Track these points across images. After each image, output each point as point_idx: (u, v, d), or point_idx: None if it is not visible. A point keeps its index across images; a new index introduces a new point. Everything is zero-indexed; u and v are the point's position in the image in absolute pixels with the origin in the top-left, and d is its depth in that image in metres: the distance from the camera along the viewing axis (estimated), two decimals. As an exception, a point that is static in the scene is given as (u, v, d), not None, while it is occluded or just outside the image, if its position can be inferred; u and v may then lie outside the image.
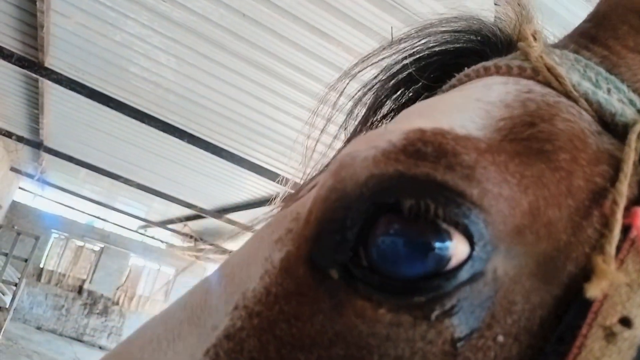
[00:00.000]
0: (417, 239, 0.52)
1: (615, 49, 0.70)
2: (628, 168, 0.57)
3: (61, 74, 7.22)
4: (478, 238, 0.52)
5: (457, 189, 0.52)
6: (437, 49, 0.87)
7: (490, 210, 0.53)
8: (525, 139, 0.59)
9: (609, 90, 0.65)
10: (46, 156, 12.98)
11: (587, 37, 0.72)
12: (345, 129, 0.93)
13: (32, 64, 7.15)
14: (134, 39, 5.98)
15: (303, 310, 0.54)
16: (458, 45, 0.86)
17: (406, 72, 0.88)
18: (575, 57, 0.69)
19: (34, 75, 7.37)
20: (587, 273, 0.53)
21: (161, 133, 7.87)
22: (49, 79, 7.26)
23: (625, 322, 0.51)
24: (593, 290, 0.51)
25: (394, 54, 0.88)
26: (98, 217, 22.38)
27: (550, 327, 0.52)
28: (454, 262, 0.52)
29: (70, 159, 12.18)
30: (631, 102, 0.64)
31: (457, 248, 0.52)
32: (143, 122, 7.61)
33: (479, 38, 0.84)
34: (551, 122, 0.61)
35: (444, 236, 0.52)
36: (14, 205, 22.11)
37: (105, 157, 11.30)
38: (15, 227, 14.11)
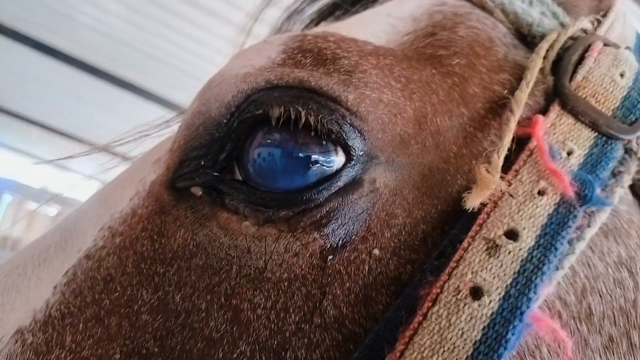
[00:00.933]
0: (289, 150, 0.50)
1: None
2: (532, 75, 0.55)
3: (5, 26, 6.94)
4: (353, 146, 0.50)
5: (331, 94, 0.50)
6: None
7: (368, 116, 0.51)
8: (421, 47, 0.58)
9: (530, 3, 0.64)
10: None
11: None
12: None
13: (-28, 14, 6.87)
14: None
15: (166, 227, 0.53)
16: None
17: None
18: None
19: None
20: None
21: (115, 88, 7.69)
22: (-8, 31, 7.01)
23: (511, 234, 0.48)
24: (472, 201, 0.49)
25: None
26: (53, 180, 21.95)
27: (434, 242, 0.50)
28: (326, 172, 0.50)
29: (20, 117, 11.83)
30: (554, 15, 0.64)
31: (330, 157, 0.50)
32: (95, 75, 7.43)
33: None
34: (452, 29, 0.60)
35: (316, 145, 0.50)
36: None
37: (58, 115, 11.00)
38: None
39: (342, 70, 0.52)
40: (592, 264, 0.52)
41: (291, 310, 0.48)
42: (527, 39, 0.62)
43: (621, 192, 0.54)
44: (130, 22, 6.36)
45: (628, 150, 0.56)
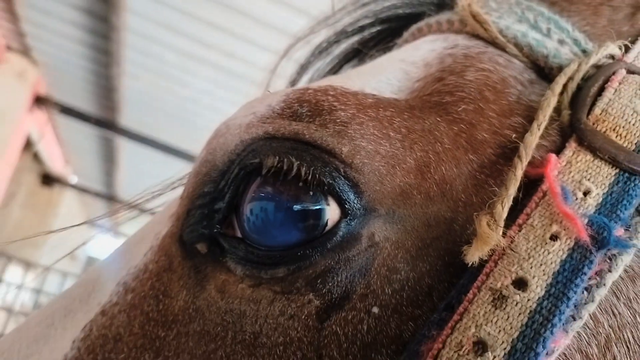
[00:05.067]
0: (282, 202, 0.48)
1: None
2: (544, 117, 0.51)
3: (134, 131, 7.61)
4: (347, 200, 0.47)
5: (325, 146, 0.48)
6: (388, 14, 0.81)
7: (363, 168, 0.48)
8: (428, 93, 0.54)
9: (548, 30, 0.59)
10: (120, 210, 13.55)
11: None
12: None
13: (108, 124, 7.58)
14: (200, 94, 6.27)
15: (171, 286, 0.51)
16: (410, 10, 0.79)
17: (356, 42, 0.83)
18: (517, 0, 0.63)
19: (110, 133, 7.81)
20: None
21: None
22: (123, 136, 7.66)
23: (520, 283, 0.44)
24: (472, 256, 0.45)
25: (341, 22, 0.83)
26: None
27: (440, 295, 0.46)
28: (321, 228, 0.47)
29: (140, 209, 12.66)
30: (575, 42, 0.58)
31: (324, 212, 0.47)
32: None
33: (433, 0, 0.77)
34: (461, 73, 0.56)
35: (310, 198, 0.47)
36: (89, 260, 23.03)
37: None
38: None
39: (337, 121, 0.50)
40: (617, 312, 0.47)
41: None
42: (545, 71, 0.58)
43: None
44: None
45: None
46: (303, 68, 0.86)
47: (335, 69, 0.85)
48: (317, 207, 0.47)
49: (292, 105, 0.52)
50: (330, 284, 0.46)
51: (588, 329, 0.46)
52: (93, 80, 6.73)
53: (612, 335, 0.46)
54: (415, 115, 0.52)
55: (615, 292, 0.47)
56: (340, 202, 0.47)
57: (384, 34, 0.81)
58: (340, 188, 0.47)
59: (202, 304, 0.49)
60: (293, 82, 0.87)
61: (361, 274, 0.47)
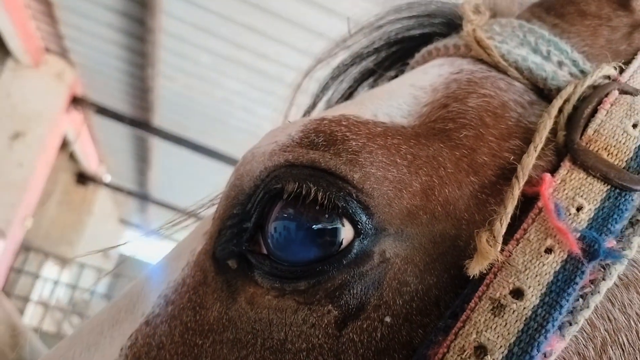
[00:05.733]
0: (302, 223, 0.53)
1: (569, 17, 0.68)
2: (540, 138, 0.55)
3: (167, 131, 7.74)
4: (360, 221, 0.52)
5: (339, 173, 0.53)
6: (401, 35, 0.85)
7: (373, 193, 0.53)
8: (432, 120, 0.59)
9: (548, 53, 0.63)
10: (151, 207, 13.77)
11: (543, 7, 0.70)
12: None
13: (142, 124, 7.73)
14: (234, 95, 6.35)
15: (206, 299, 0.56)
16: (422, 31, 0.84)
17: (372, 63, 0.87)
18: (520, 24, 0.67)
19: (144, 133, 7.97)
20: None
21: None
22: (157, 136, 7.81)
23: (517, 293, 0.48)
24: (473, 269, 0.49)
25: (358, 44, 0.88)
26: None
27: (447, 305, 0.50)
28: (337, 246, 0.52)
29: (174, 209, 12.85)
30: (574, 63, 0.62)
31: (339, 232, 0.52)
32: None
33: (443, 21, 0.82)
34: (463, 100, 0.60)
35: (327, 220, 0.52)
36: (121, 257, 23.47)
37: None
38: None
39: (350, 150, 0.55)
40: (612, 317, 0.51)
41: None
42: (545, 92, 0.61)
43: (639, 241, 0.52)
44: (277, 123, 6.81)
45: None
46: (322, 89, 0.91)
47: (353, 88, 0.90)
48: (333, 227, 0.53)
49: (310, 135, 0.57)
50: (346, 296, 0.51)
51: (585, 333, 0.50)
52: (128, 81, 6.86)
53: (608, 338, 0.50)
54: (421, 142, 0.57)
55: (610, 299, 0.51)
56: (354, 223, 0.52)
57: (398, 55, 0.86)
58: (353, 211, 0.52)
59: (234, 314, 0.54)
60: (314, 103, 0.91)
61: (374, 287, 0.52)
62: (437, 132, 0.58)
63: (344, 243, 0.52)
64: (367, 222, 0.53)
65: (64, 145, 8.18)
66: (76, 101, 7.31)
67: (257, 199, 0.57)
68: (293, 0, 4.38)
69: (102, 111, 7.53)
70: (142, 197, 12.67)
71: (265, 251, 0.55)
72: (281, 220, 0.55)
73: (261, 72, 5.64)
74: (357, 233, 0.53)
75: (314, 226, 0.53)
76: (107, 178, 11.82)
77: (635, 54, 0.65)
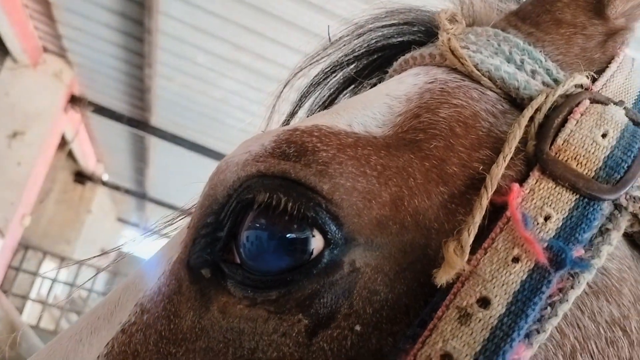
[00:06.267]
0: (273, 233, 0.53)
1: (544, 26, 0.68)
2: (510, 149, 0.55)
3: (165, 130, 7.76)
4: (329, 231, 0.52)
5: (309, 184, 0.53)
6: (381, 43, 0.85)
7: (342, 203, 0.53)
8: (404, 130, 0.59)
9: (522, 61, 0.63)
10: (149, 206, 13.76)
11: (519, 15, 0.70)
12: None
13: (140, 124, 7.75)
14: (231, 94, 6.36)
15: (180, 307, 0.56)
16: (401, 39, 0.84)
17: (352, 71, 0.87)
18: (495, 33, 0.67)
19: (141, 133, 7.98)
20: None
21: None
22: (155, 135, 7.83)
23: (483, 302, 0.48)
24: (440, 278, 0.49)
25: (338, 52, 0.87)
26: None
27: (417, 313, 0.50)
28: (308, 256, 0.52)
29: (171, 207, 12.84)
30: (547, 72, 0.62)
31: (310, 241, 0.52)
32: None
33: (422, 28, 0.82)
34: (435, 111, 0.60)
35: (297, 229, 0.53)
36: (118, 254, 23.47)
37: None
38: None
39: (320, 161, 0.55)
40: (582, 325, 0.51)
41: None
42: (517, 101, 0.61)
43: (609, 249, 0.52)
44: (271, 121, 6.81)
45: (618, 207, 0.54)
46: (302, 97, 0.90)
47: (333, 96, 0.89)
48: (303, 237, 0.53)
49: (282, 146, 0.58)
50: (317, 305, 0.51)
51: (554, 341, 0.50)
52: (126, 81, 6.88)
53: (577, 346, 0.50)
54: (391, 153, 0.57)
55: (580, 307, 0.51)
56: (323, 233, 0.53)
57: (378, 62, 0.86)
58: (323, 221, 0.53)
59: (207, 323, 0.54)
60: (293, 111, 0.91)
61: (345, 296, 0.52)
62: (408, 142, 0.58)
63: (314, 253, 0.53)
64: (336, 232, 0.53)
65: (62, 144, 8.19)
66: (74, 100, 7.33)
67: (230, 209, 0.57)
68: (290, 1, 4.40)
69: (100, 110, 7.55)
70: (140, 195, 12.65)
71: (238, 260, 0.55)
72: (253, 230, 0.55)
73: (258, 72, 5.67)
74: (327, 243, 0.53)
75: (285, 236, 0.53)
76: (105, 177, 11.81)
77: (609, 62, 0.66)
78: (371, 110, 0.63)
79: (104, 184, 11.90)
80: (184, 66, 6.02)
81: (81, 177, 11.16)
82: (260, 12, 4.64)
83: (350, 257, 0.53)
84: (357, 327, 0.50)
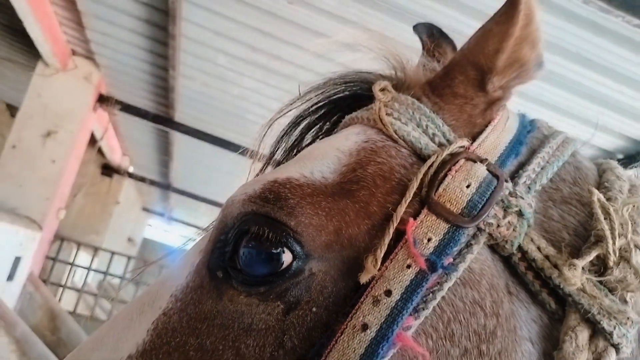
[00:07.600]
0: (260, 250, 0.75)
1: (445, 97, 0.86)
2: (409, 194, 0.76)
3: (188, 126, 7.97)
4: (295, 250, 0.74)
5: (282, 221, 0.75)
6: (336, 97, 1.04)
7: (303, 233, 0.74)
8: (344, 182, 0.79)
9: (426, 127, 0.82)
10: (173, 196, 14.02)
11: (431, 87, 0.88)
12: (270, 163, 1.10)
13: (164, 120, 7.96)
14: (250, 92, 6.50)
15: (202, 297, 0.77)
16: (349, 93, 1.02)
17: (313, 119, 1.05)
18: (412, 102, 0.86)
19: (165, 128, 8.20)
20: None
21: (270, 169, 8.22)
22: (178, 131, 8.05)
23: (388, 292, 0.70)
24: (363, 279, 0.71)
25: (302, 104, 1.05)
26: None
27: (351, 300, 0.72)
28: (281, 265, 0.74)
29: (193, 196, 13.08)
30: (443, 134, 0.82)
31: (282, 256, 0.74)
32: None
33: (365, 86, 0.99)
34: (365, 167, 0.80)
35: (276, 250, 0.74)
36: (145, 241, 24.02)
37: (223, 192, 11.81)
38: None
39: (289, 206, 0.75)
40: (454, 304, 0.72)
41: (267, 345, 0.72)
42: (422, 157, 0.81)
43: (472, 256, 0.74)
44: (288, 117, 6.80)
45: (479, 229, 0.75)
46: (277, 143, 1.09)
47: (298, 141, 1.08)
48: (278, 253, 0.74)
49: (265, 193, 0.78)
50: (289, 296, 0.73)
51: (436, 315, 0.72)
52: (151, 81, 7.03)
53: (452, 317, 0.72)
54: (335, 199, 0.77)
55: (453, 292, 0.73)
56: (292, 251, 0.74)
57: (335, 112, 1.06)
58: (291, 244, 0.74)
59: (220, 307, 0.75)
60: (272, 154, 1.10)
61: (306, 290, 0.73)
62: (345, 191, 0.78)
63: (286, 264, 0.73)
64: (300, 251, 0.74)
65: (92, 140, 8.37)
66: (102, 100, 7.52)
67: (234, 233, 0.78)
68: (303, 7, 4.49)
69: (127, 108, 7.75)
70: (165, 186, 12.89)
71: (239, 267, 0.75)
72: (247, 248, 0.75)
73: (275, 72, 5.77)
74: (294, 257, 0.74)
75: (267, 252, 0.74)
76: (131, 169, 12.04)
77: (487, 126, 0.85)
78: (326, 161, 0.83)
79: (130, 175, 12.17)
80: (205, 67, 6.16)
81: (108, 170, 11.46)
82: (275, 17, 4.75)
83: (309, 266, 0.74)
84: (314, 309, 0.73)
